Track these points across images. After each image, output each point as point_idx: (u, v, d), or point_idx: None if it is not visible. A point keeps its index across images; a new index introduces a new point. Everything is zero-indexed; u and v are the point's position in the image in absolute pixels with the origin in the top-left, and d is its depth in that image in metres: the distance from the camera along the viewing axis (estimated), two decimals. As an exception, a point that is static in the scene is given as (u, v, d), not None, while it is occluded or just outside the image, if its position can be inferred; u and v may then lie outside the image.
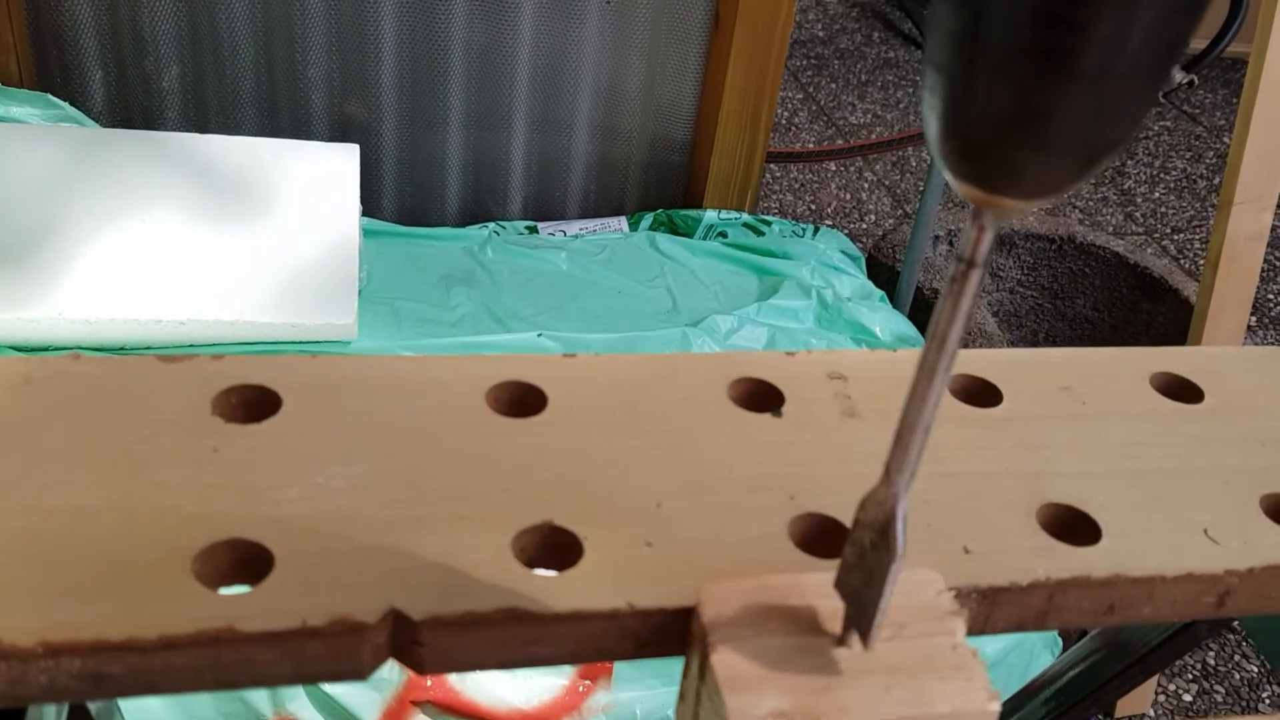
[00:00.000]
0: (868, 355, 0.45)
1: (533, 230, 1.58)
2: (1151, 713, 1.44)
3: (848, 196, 2.26)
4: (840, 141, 2.42)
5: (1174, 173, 2.48)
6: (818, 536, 0.37)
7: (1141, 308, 1.79)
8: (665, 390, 0.42)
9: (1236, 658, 1.51)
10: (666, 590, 0.34)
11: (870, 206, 2.24)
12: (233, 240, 1.22)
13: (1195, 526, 0.40)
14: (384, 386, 0.40)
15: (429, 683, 0.95)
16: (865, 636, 0.31)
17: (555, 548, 0.36)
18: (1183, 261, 2.19)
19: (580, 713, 0.99)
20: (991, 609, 0.36)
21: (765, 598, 0.33)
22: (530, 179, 1.63)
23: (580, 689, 0.99)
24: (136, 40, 1.43)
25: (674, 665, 0.35)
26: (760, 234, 1.58)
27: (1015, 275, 1.86)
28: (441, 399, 0.40)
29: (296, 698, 0.94)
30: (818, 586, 0.33)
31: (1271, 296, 2.15)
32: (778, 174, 2.28)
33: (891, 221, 2.19)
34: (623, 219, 1.62)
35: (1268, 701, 1.47)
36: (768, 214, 2.16)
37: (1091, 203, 2.37)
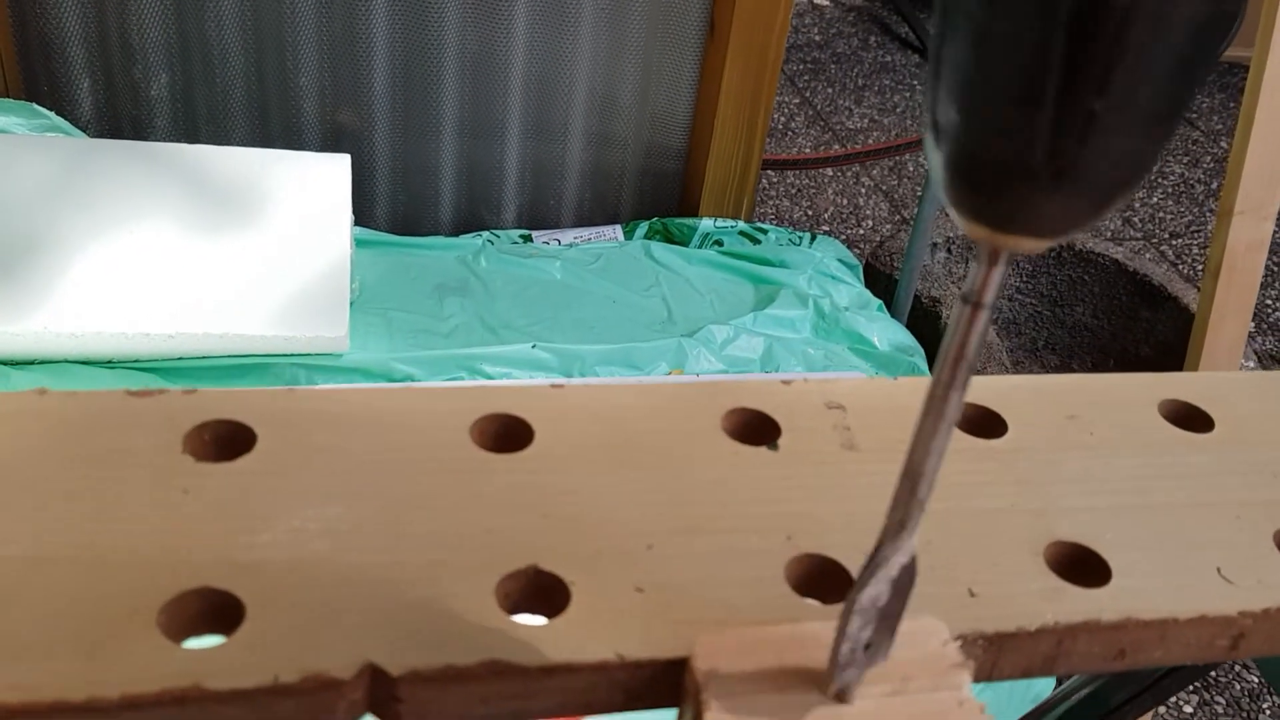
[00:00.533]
0: (867, 383, 0.44)
1: (527, 239, 1.56)
2: (1153, 725, 1.43)
3: (844, 202, 2.25)
4: (837, 146, 2.40)
5: (1171, 178, 2.46)
6: (816, 579, 0.36)
7: (1141, 315, 1.78)
8: (656, 422, 0.41)
9: (1237, 668, 1.50)
10: (657, 639, 0.32)
11: (868, 212, 2.22)
12: (223, 252, 1.20)
13: (1208, 565, 0.38)
14: (363, 420, 0.38)
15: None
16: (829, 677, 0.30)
17: (541, 592, 0.34)
18: (1181, 267, 2.18)
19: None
20: (998, 655, 0.35)
21: (762, 650, 0.31)
22: (524, 187, 1.61)
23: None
24: (125, 48, 1.40)
25: (666, 714, 0.34)
26: (756, 242, 1.57)
27: (1014, 283, 1.85)
28: (423, 433, 0.38)
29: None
30: (816, 637, 0.31)
31: (1270, 302, 2.13)
32: (774, 179, 2.27)
33: (889, 227, 2.18)
34: (618, 227, 1.61)
35: (1268, 713, 1.46)
36: (764, 219, 2.14)
37: (1089, 208, 2.34)
